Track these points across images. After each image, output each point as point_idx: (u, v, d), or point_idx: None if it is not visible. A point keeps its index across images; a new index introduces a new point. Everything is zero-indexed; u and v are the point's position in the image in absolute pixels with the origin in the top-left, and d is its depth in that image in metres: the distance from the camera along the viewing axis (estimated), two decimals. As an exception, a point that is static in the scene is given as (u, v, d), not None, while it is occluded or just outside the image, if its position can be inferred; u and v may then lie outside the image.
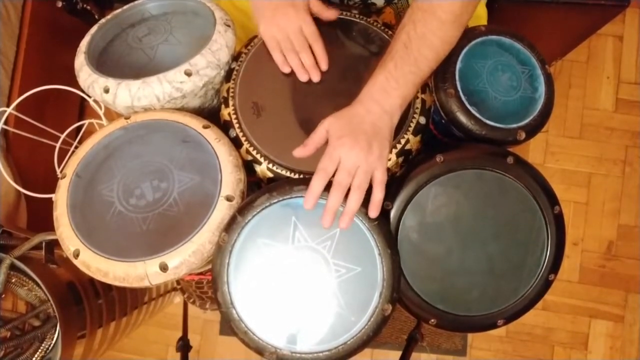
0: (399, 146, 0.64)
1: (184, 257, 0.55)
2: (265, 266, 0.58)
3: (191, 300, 1.23)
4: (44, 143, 0.97)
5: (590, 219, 1.58)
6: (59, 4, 1.25)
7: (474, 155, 0.63)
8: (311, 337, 0.57)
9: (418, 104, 0.66)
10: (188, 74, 0.63)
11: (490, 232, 0.63)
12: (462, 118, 0.65)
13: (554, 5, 1.04)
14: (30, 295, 0.80)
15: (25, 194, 0.89)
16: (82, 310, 0.83)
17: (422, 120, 0.66)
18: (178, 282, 1.20)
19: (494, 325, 0.63)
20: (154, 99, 0.63)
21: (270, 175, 0.64)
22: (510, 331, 1.53)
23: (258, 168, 0.64)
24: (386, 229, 0.59)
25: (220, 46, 0.66)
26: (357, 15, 0.72)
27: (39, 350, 0.78)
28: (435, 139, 0.75)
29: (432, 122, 0.72)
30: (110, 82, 0.63)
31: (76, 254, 0.57)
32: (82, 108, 1.55)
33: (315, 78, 0.67)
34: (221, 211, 0.58)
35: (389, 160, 0.63)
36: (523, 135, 0.66)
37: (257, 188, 0.65)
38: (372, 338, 0.57)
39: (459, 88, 0.65)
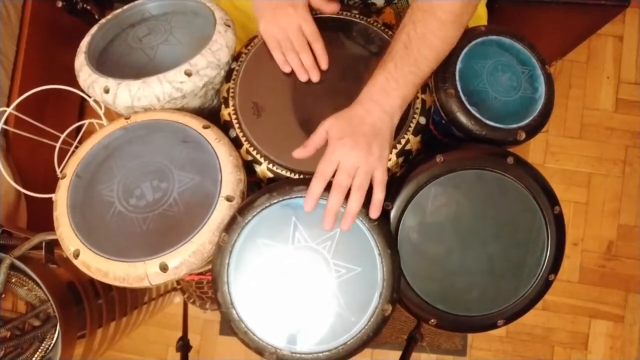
0: (399, 146, 0.64)
1: (184, 258, 0.55)
2: (265, 266, 0.58)
3: (191, 301, 1.23)
4: (44, 143, 0.97)
5: (590, 219, 1.58)
6: (59, 4, 1.25)
7: (474, 155, 0.63)
8: (311, 337, 0.57)
9: (418, 104, 0.66)
10: (188, 74, 0.63)
11: (490, 232, 0.63)
12: (462, 118, 0.65)
13: (554, 5, 1.04)
14: (30, 295, 0.80)
15: (25, 194, 0.89)
16: (82, 310, 0.83)
17: (422, 120, 0.66)
18: (178, 282, 1.20)
19: (494, 326, 0.63)
20: (154, 99, 0.63)
21: (270, 175, 0.64)
22: (510, 331, 1.53)
23: (258, 168, 0.64)
24: (386, 229, 0.59)
25: (221, 46, 0.66)
26: (357, 16, 0.72)
27: (39, 350, 0.78)
28: (435, 139, 0.75)
29: (432, 122, 0.72)
30: (110, 82, 0.63)
31: (76, 254, 0.57)
32: (82, 108, 1.55)
33: (315, 78, 0.67)
34: (221, 211, 0.58)
35: (389, 160, 0.63)
36: (523, 135, 0.66)
37: (257, 188, 0.65)
38: (372, 338, 0.57)
39: (459, 88, 0.65)
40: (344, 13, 0.72)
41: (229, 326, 0.57)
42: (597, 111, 1.63)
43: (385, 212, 0.61)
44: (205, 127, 0.63)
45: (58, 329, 0.77)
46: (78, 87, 0.71)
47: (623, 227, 1.57)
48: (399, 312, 0.62)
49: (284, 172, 0.63)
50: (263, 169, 0.64)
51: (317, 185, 0.56)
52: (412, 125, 0.65)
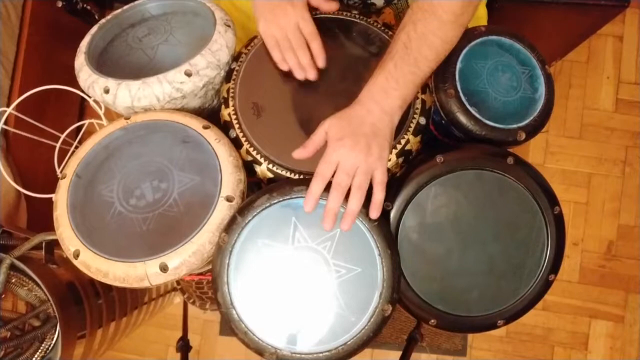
0: (399, 147, 0.64)
1: (184, 258, 0.55)
2: (265, 267, 0.58)
3: (191, 301, 1.23)
4: (44, 143, 0.97)
5: (590, 219, 1.58)
6: (59, 4, 1.25)
7: (474, 155, 0.63)
8: (311, 337, 0.57)
9: (418, 105, 0.66)
10: (188, 74, 0.63)
11: (490, 233, 0.63)
12: (462, 118, 0.65)
13: (554, 5, 1.04)
14: (30, 295, 0.80)
15: (25, 194, 0.89)
16: (82, 311, 0.83)
17: (422, 120, 0.66)
18: (178, 282, 1.20)
19: (494, 326, 0.63)
20: (154, 99, 0.63)
21: (271, 175, 0.64)
22: (511, 331, 1.53)
23: (258, 168, 0.64)
24: (386, 229, 0.59)
25: (220, 46, 0.66)
26: (357, 16, 0.72)
27: (39, 351, 0.78)
28: (435, 140, 0.75)
29: (432, 122, 0.72)
30: (111, 83, 0.63)
31: (76, 255, 0.57)
32: (82, 108, 1.55)
33: (311, 76, 0.67)
34: (221, 211, 0.58)
35: (389, 160, 0.63)
36: (523, 135, 0.66)
37: (257, 188, 0.65)
38: (372, 338, 0.57)
39: (459, 88, 0.65)
40: (344, 13, 0.72)
41: (229, 326, 0.57)
42: (597, 111, 1.62)
43: (385, 213, 0.61)
44: (205, 128, 0.63)
45: (58, 329, 0.77)
46: (78, 87, 0.71)
47: (623, 227, 1.57)
48: (399, 312, 0.62)
49: (284, 173, 0.63)
50: (263, 169, 0.64)
51: (317, 185, 0.56)
52: (412, 125, 0.65)
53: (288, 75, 0.68)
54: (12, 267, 0.78)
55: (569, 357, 1.52)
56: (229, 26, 0.69)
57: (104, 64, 0.70)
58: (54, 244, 0.80)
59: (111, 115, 0.73)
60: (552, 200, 0.64)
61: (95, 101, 0.70)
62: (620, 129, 1.61)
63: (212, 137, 0.62)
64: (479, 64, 0.68)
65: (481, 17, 0.85)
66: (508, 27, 0.70)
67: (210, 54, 0.65)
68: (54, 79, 0.92)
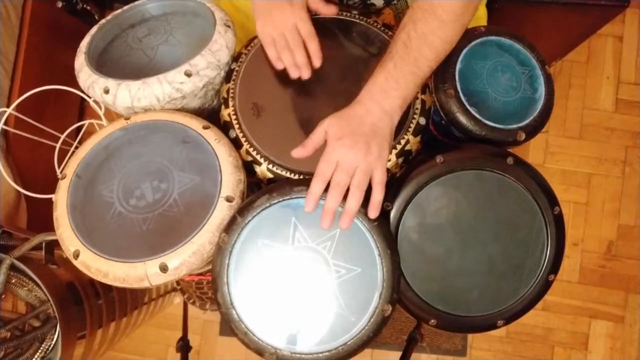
0: (398, 147, 0.64)
1: (184, 258, 0.55)
2: (265, 267, 0.58)
3: (191, 301, 1.23)
4: (44, 143, 0.97)
5: (590, 219, 1.58)
6: (59, 4, 1.25)
7: (473, 155, 0.63)
8: (311, 337, 0.57)
9: (418, 105, 0.66)
10: (188, 74, 0.63)
11: (490, 233, 0.63)
12: (462, 119, 0.65)
13: (554, 5, 1.04)
14: (30, 295, 0.80)
15: (25, 194, 0.89)
16: (82, 311, 0.83)
17: (422, 120, 0.66)
18: (178, 282, 1.20)
19: (494, 326, 0.63)
20: (154, 99, 0.63)
21: (270, 175, 0.64)
22: (511, 331, 1.53)
23: (258, 169, 0.64)
24: (386, 229, 0.59)
25: (220, 47, 0.66)
26: (356, 16, 0.72)
27: (39, 351, 0.78)
28: (435, 140, 0.75)
29: (432, 122, 0.72)
30: (110, 83, 0.63)
31: (76, 255, 0.57)
32: (82, 108, 1.55)
33: (305, 75, 0.67)
34: (221, 212, 0.58)
35: (389, 161, 0.63)
36: (523, 135, 0.66)
37: (257, 189, 0.65)
38: (372, 339, 0.57)
39: (458, 89, 0.65)
40: (344, 13, 0.72)
41: (229, 327, 0.57)
42: (597, 111, 1.63)
43: (385, 213, 0.61)
44: (205, 128, 0.63)
45: (58, 330, 0.77)
46: (78, 87, 0.71)
47: (623, 227, 1.57)
48: (399, 312, 0.62)
49: (283, 173, 0.63)
50: (263, 169, 0.64)
51: (317, 185, 0.56)
52: (412, 125, 0.65)
53: (288, 75, 0.68)
54: (12, 267, 0.78)
55: (569, 357, 1.52)
56: (228, 26, 0.69)
57: (104, 64, 0.70)
58: (54, 244, 0.80)
59: (111, 116, 0.73)
60: (552, 200, 0.64)
61: (95, 101, 0.70)
62: (620, 129, 1.61)
63: (212, 137, 0.62)
64: (479, 64, 0.68)
65: (481, 17, 0.85)
66: (508, 27, 0.70)
67: (210, 54, 0.65)
68: (54, 79, 0.92)
